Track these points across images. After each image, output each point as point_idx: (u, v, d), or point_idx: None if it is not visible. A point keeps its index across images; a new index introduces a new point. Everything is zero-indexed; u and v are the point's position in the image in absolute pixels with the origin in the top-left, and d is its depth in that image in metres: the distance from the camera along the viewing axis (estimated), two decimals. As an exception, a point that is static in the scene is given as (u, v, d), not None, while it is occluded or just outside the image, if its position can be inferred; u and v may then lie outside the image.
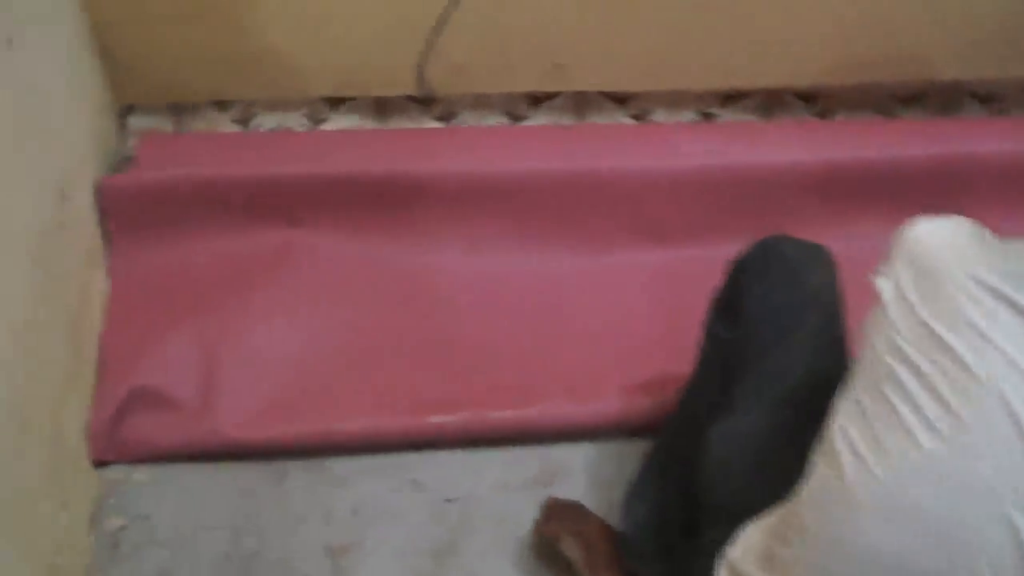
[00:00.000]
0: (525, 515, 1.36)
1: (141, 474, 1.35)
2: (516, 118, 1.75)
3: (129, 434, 1.34)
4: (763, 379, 1.08)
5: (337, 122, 1.70)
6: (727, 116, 1.81)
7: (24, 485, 1.14)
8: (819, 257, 1.13)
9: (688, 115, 1.80)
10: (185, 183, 1.49)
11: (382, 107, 1.71)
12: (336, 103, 1.70)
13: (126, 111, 1.64)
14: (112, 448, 1.34)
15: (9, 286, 1.13)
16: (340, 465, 1.39)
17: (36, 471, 1.18)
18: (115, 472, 1.35)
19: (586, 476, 1.42)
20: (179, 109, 1.66)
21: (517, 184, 1.59)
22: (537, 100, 1.75)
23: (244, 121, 1.68)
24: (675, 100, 1.78)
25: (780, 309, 1.10)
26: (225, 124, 1.67)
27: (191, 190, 1.49)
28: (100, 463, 1.35)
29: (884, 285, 0.86)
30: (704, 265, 1.61)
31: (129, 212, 1.47)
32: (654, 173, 1.63)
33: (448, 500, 1.37)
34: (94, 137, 1.50)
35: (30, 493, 1.16)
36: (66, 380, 1.29)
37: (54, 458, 1.23)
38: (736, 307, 1.14)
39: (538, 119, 1.75)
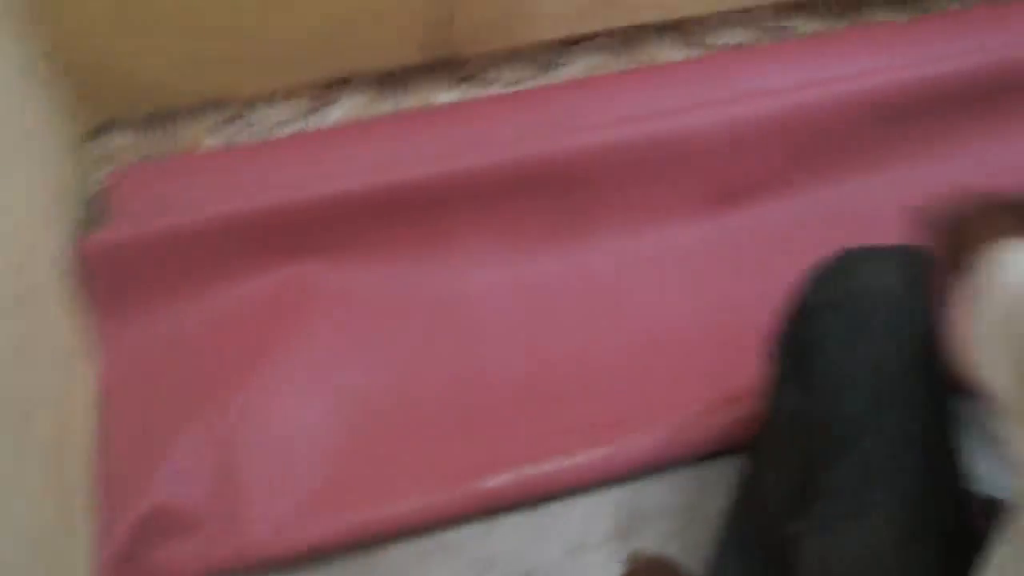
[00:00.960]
0: (610, 576, 1.19)
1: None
2: (552, 67, 1.46)
3: (151, 566, 1.15)
4: (864, 472, 0.78)
5: (346, 104, 1.43)
6: (809, 27, 1.49)
7: None
8: (921, 281, 0.80)
9: (754, 34, 1.49)
10: (170, 230, 1.24)
11: (388, 82, 1.43)
12: (343, 82, 1.42)
13: (96, 132, 1.40)
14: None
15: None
16: (397, 553, 1.20)
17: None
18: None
19: (669, 516, 1.21)
20: (161, 118, 1.41)
21: (547, 167, 1.32)
22: (574, 42, 1.45)
23: (238, 118, 1.41)
24: (739, 19, 1.47)
25: (870, 372, 0.79)
26: (217, 128, 1.41)
27: (177, 238, 1.25)
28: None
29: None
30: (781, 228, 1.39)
31: (113, 277, 1.24)
32: (706, 125, 1.34)
33: (526, 574, 1.20)
34: (59, 182, 1.27)
35: None
36: (60, 535, 1.08)
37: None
38: (808, 360, 0.84)
39: (579, 66, 1.46)
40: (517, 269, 1.35)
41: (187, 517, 1.16)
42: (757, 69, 1.41)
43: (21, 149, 1.19)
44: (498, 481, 1.20)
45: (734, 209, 1.38)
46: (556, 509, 1.22)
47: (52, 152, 1.28)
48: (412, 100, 1.44)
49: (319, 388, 1.24)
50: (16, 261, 1.10)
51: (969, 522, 0.78)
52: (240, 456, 1.19)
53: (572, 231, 1.37)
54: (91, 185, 1.37)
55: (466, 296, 1.32)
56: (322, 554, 1.18)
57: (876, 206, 1.40)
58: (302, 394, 1.23)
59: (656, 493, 1.23)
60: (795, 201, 1.40)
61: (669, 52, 1.47)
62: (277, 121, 1.42)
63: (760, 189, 1.39)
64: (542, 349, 1.30)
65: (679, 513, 1.22)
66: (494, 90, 1.45)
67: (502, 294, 1.32)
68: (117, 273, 1.25)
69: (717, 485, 1.20)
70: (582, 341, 1.30)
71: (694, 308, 1.33)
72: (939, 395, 0.79)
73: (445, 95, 1.44)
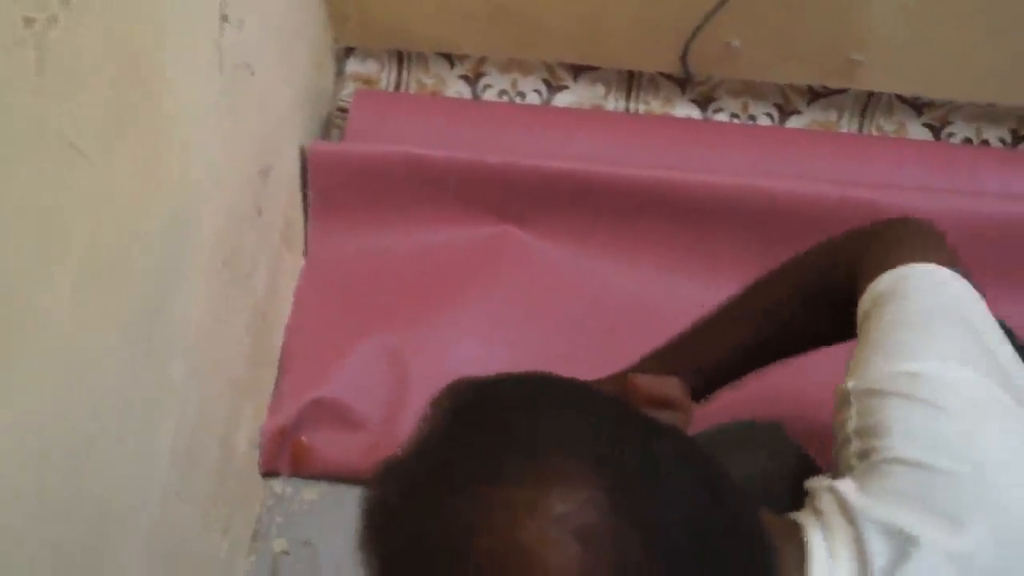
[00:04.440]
0: None
1: (311, 492, 1.22)
2: (787, 112, 1.48)
3: (303, 447, 1.21)
4: None
5: (578, 92, 1.47)
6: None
7: (190, 516, 1.02)
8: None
9: (998, 132, 1.49)
10: (399, 160, 1.30)
11: (631, 81, 1.47)
12: (580, 70, 1.46)
13: (344, 54, 1.46)
14: (283, 460, 1.21)
15: (194, 305, 0.98)
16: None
17: (203, 497, 1.05)
18: (284, 486, 1.22)
19: None
20: (403, 57, 1.46)
21: (776, 205, 1.32)
22: (816, 94, 1.47)
23: (474, 79, 1.47)
24: (984, 114, 1.47)
25: None
26: (453, 80, 1.46)
27: (404, 169, 1.30)
28: (268, 475, 1.22)
29: None
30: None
31: (334, 184, 1.30)
32: (945, 214, 1.33)
33: None
34: (307, 88, 1.33)
35: (195, 523, 1.04)
36: (243, 387, 1.15)
37: (222, 477, 1.10)
38: None
39: (813, 115, 1.48)
40: (701, 292, 1.35)
41: (353, 416, 1.20)
42: (997, 171, 1.40)
43: (288, 47, 1.25)
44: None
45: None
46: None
47: (308, 59, 1.34)
48: (641, 106, 1.47)
49: (498, 340, 1.27)
50: (269, 139, 1.16)
51: None
52: (413, 380, 1.22)
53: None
54: (335, 101, 1.42)
55: (651, 300, 1.32)
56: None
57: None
58: (482, 342, 1.26)
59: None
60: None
61: (901, 127, 1.47)
62: (513, 90, 1.46)
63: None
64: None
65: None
66: (722, 118, 1.47)
67: (680, 311, 1.33)
68: (335, 182, 1.31)
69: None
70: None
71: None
72: None
73: (674, 110, 1.46)
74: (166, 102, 0.84)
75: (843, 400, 0.68)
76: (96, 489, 0.80)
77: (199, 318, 0.99)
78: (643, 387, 0.62)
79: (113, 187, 0.75)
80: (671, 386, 0.63)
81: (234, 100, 1.01)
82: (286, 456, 1.22)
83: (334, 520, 1.21)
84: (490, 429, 0.56)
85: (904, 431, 0.62)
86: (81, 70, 0.68)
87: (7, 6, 0.58)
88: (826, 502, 0.62)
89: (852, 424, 0.66)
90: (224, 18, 0.94)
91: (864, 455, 0.63)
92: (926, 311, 0.70)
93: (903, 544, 0.57)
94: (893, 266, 0.74)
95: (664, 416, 0.61)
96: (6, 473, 0.65)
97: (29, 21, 0.60)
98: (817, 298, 0.84)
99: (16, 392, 0.65)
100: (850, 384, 0.68)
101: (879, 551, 0.58)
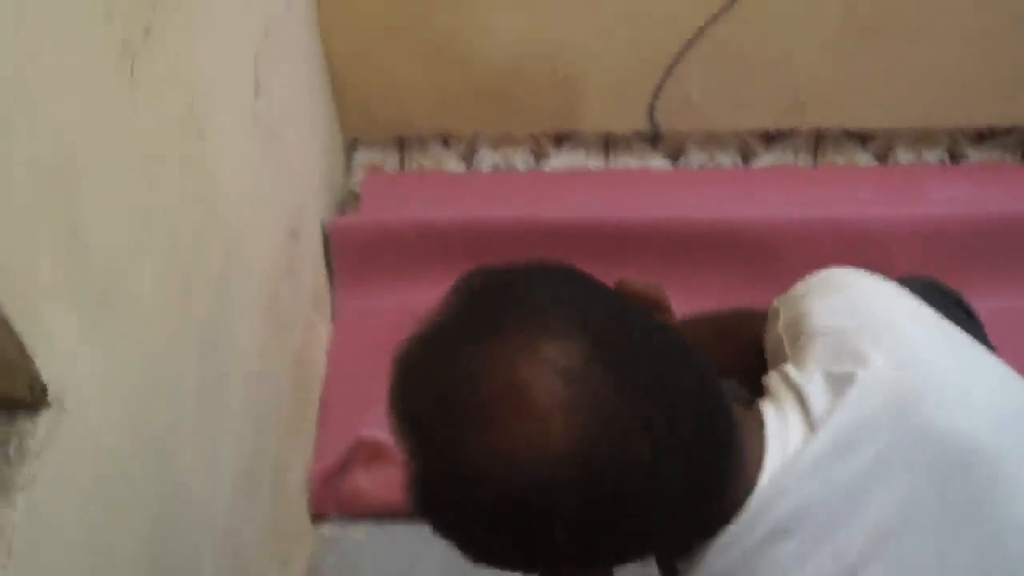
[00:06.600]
0: None
1: (357, 531, 1.32)
2: (748, 156, 1.65)
3: (349, 488, 1.31)
4: None
5: (561, 158, 1.64)
6: (979, 156, 1.66)
7: (248, 545, 1.12)
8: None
9: (936, 154, 1.66)
10: (410, 226, 1.46)
11: (608, 143, 1.64)
12: (561, 139, 1.64)
13: (351, 145, 1.63)
14: (331, 502, 1.31)
15: (245, 335, 1.11)
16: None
17: (259, 529, 1.15)
18: (331, 528, 1.32)
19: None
20: (404, 143, 1.64)
21: (747, 234, 1.48)
22: (771, 138, 1.65)
23: (468, 156, 1.64)
24: (921, 137, 1.65)
25: None
26: (449, 159, 1.64)
27: (415, 234, 1.46)
28: (318, 517, 1.32)
29: None
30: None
31: (355, 254, 1.46)
32: (900, 222, 1.50)
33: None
34: (322, 173, 1.49)
35: (254, 553, 1.13)
36: (289, 431, 1.26)
37: (276, 513, 1.20)
38: None
39: (771, 158, 1.65)
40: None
41: (389, 455, 1.30)
42: (941, 183, 1.59)
43: (306, 140, 1.42)
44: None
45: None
46: None
47: (325, 147, 1.52)
48: (619, 166, 1.64)
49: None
50: (297, 207, 1.32)
51: None
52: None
53: (745, 293, 1.51)
54: (346, 187, 1.60)
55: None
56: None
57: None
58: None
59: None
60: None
61: (852, 159, 1.65)
62: (504, 164, 1.63)
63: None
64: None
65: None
66: (691, 165, 1.64)
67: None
68: (355, 250, 1.46)
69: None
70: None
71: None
72: None
73: (647, 166, 1.64)
74: (214, 145, 0.99)
75: (773, 314, 0.82)
76: (177, 473, 0.91)
77: (250, 355, 1.12)
78: (630, 286, 0.72)
79: (181, 207, 0.90)
80: (656, 288, 0.73)
81: (268, 159, 1.17)
82: (333, 499, 1.32)
83: (383, 555, 1.29)
84: (495, 297, 0.66)
85: (817, 312, 0.76)
86: (160, 88, 0.83)
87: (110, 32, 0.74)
88: (774, 382, 0.74)
89: (781, 324, 0.79)
90: (256, 89, 1.11)
91: (794, 341, 0.76)
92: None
93: (840, 384, 0.69)
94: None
95: None
96: (116, 435, 0.77)
97: (127, 42, 0.76)
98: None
99: (119, 364, 0.78)
100: (776, 301, 0.82)
101: (818, 395, 0.70)
